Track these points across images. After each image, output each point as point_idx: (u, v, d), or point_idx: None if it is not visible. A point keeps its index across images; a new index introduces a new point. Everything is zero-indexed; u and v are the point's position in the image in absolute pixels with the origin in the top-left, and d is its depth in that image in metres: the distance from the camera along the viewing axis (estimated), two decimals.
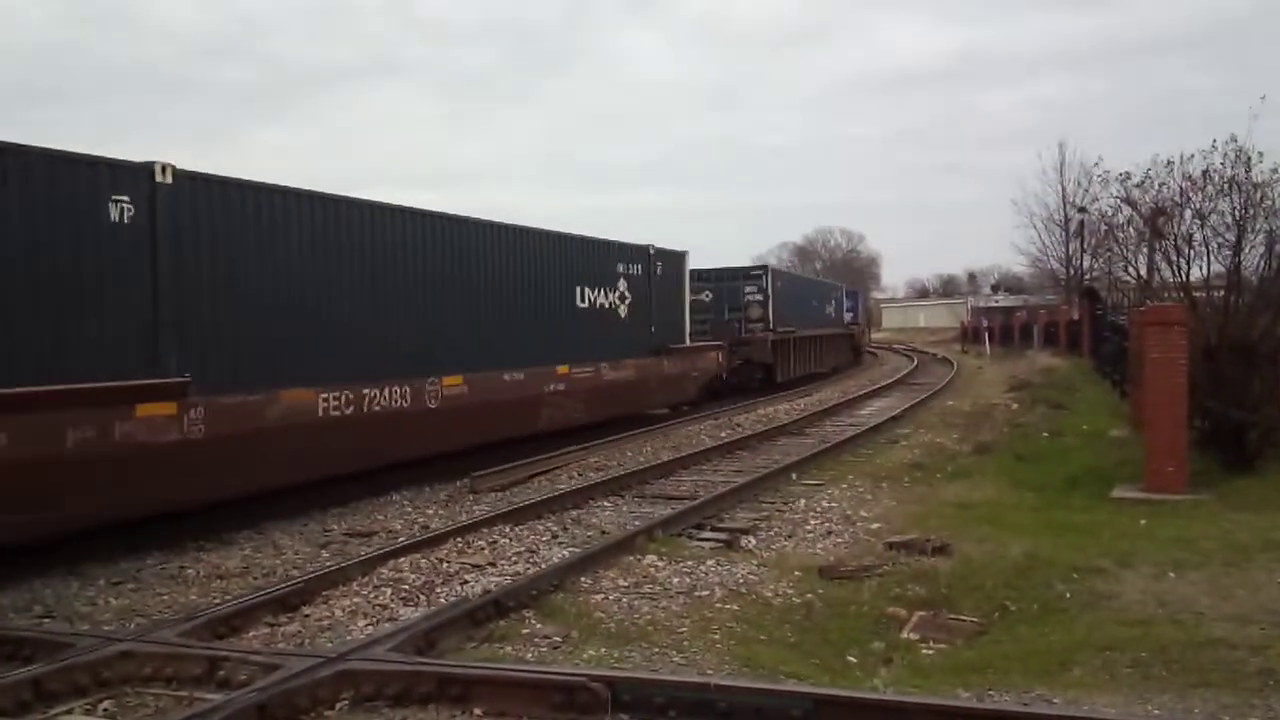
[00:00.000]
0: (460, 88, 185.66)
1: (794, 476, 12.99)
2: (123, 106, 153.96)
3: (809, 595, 7.65)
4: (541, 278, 15.79)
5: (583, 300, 16.90)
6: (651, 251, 19.43)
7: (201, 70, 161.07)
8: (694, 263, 27.75)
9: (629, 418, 18.45)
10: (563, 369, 15.91)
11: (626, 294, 18.24)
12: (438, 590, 7.56)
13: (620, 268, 18.14)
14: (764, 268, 29.37)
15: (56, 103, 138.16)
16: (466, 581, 7.79)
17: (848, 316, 42.72)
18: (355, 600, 7.28)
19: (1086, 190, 39.67)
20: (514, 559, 8.58)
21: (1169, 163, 13.70)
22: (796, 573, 8.17)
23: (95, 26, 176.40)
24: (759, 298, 28.08)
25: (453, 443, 13.41)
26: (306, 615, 7.00)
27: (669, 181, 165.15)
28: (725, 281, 28.24)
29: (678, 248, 21.06)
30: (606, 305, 17.59)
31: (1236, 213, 12.98)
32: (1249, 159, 12.84)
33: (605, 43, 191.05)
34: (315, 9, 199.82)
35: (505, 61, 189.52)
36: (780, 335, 28.58)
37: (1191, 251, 13.35)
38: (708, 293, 27.36)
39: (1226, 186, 12.98)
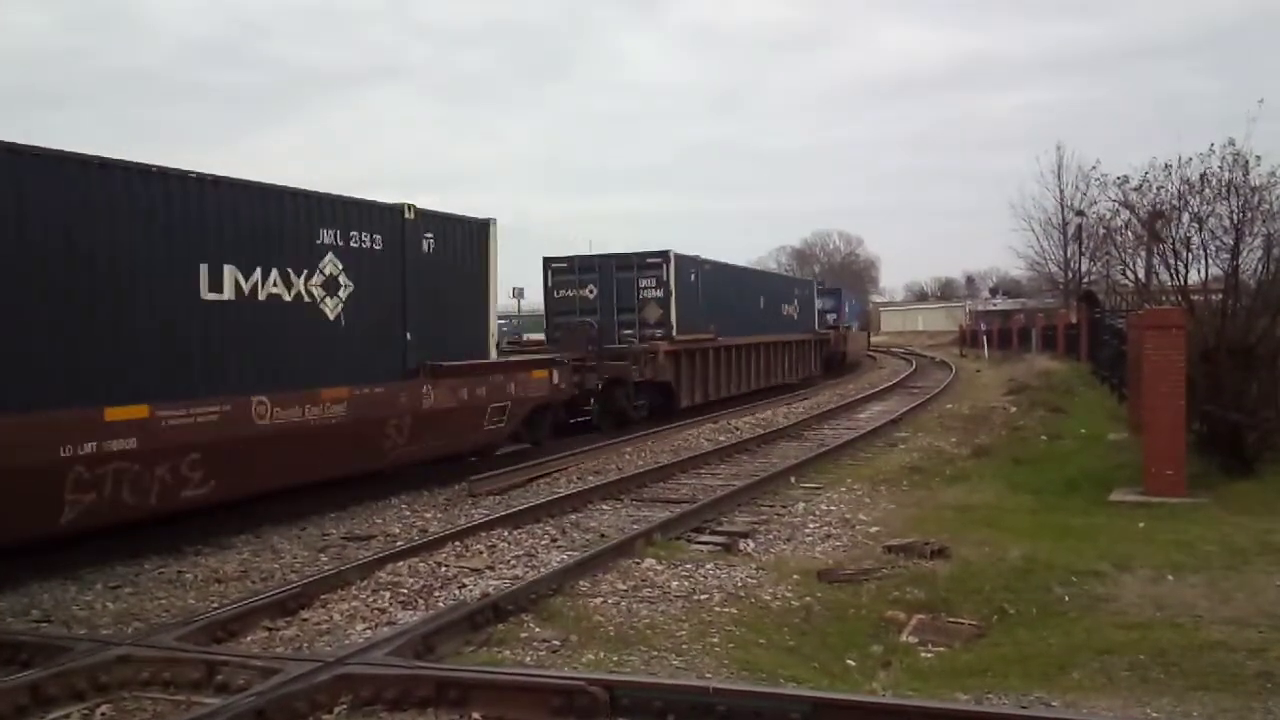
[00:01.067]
0: (460, 91, 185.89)
1: (793, 480, 12.99)
2: (124, 110, 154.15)
3: (808, 598, 7.65)
4: (93, 247, 8.66)
5: (218, 289, 9.78)
6: (409, 215, 12.38)
7: (202, 73, 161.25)
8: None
9: (355, 480, 11.83)
10: (129, 411, 8.71)
11: (342, 280, 11.27)
12: (436, 594, 7.56)
13: (328, 236, 11.13)
14: (664, 253, 21.50)
15: (58, 106, 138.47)
16: (465, 585, 7.78)
17: (829, 319, 38.03)
18: (353, 604, 7.27)
19: (1084, 194, 39.75)
20: (512, 562, 8.57)
21: (1167, 166, 13.75)
22: (795, 576, 8.17)
23: (97, 31, 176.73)
24: (658, 294, 21.35)
25: None
26: (305, 619, 7.00)
27: (669, 185, 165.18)
28: (615, 272, 21.56)
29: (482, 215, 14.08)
30: (289, 297, 10.60)
31: (1234, 216, 13.02)
32: (1247, 162, 12.88)
33: (605, 46, 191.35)
34: (315, 13, 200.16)
35: (505, 65, 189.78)
36: (683, 344, 21.49)
37: (1189, 255, 13.38)
38: (591, 287, 21.59)
39: (1224, 190, 13.01)
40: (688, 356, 21.91)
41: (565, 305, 21.85)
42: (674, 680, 5.45)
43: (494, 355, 14.32)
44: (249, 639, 6.61)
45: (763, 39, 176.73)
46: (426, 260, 12.68)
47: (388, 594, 7.48)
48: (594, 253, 22.42)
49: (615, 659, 6.08)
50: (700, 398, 22.57)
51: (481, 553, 8.86)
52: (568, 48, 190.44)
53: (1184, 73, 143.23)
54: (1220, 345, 11.96)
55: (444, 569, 8.23)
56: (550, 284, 22.22)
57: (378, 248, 11.87)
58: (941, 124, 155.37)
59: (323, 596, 7.41)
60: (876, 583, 8.05)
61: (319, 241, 11.07)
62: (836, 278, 68.59)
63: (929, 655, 6.73)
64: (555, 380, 15.58)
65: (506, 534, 9.55)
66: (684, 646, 6.37)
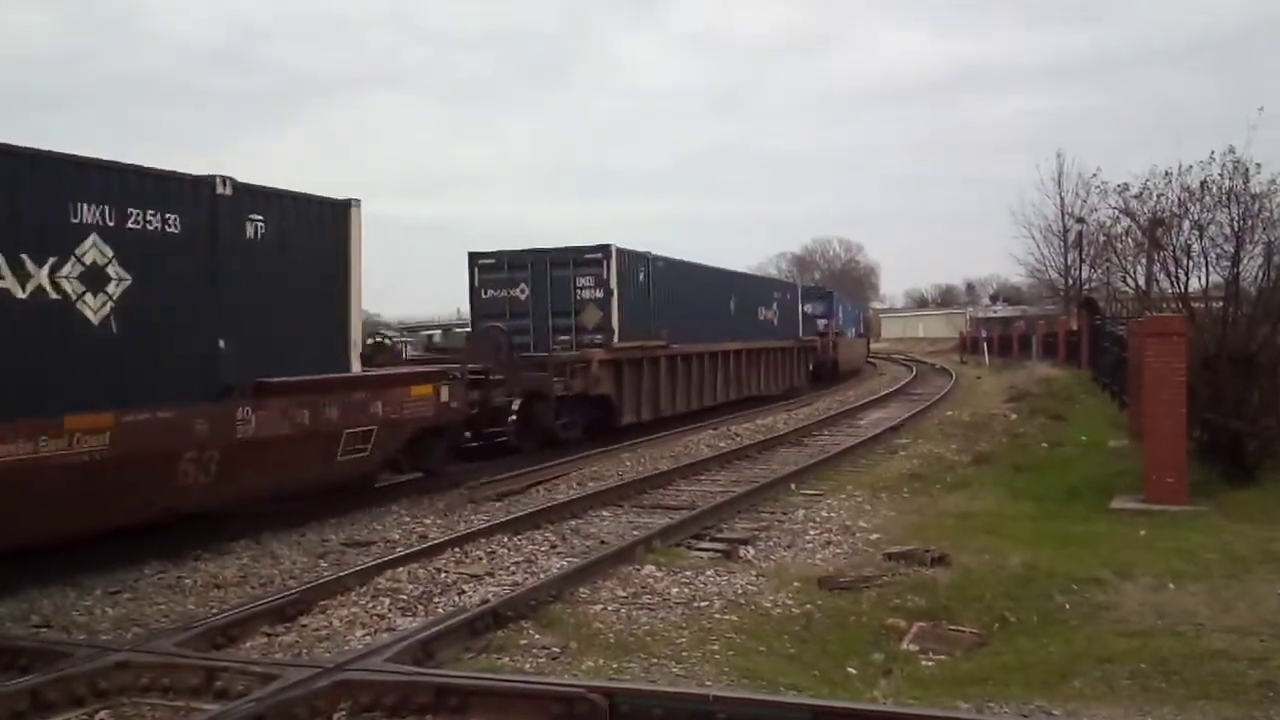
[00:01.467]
0: (461, 96, 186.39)
1: (793, 486, 12.97)
2: (123, 113, 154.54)
3: (808, 606, 7.64)
4: None
5: None
6: (222, 189, 9.63)
7: (203, 77, 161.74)
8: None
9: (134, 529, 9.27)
10: None
11: (112, 272, 8.57)
12: (436, 600, 7.55)
13: (90, 214, 8.41)
14: (604, 248, 18.81)
15: (57, 109, 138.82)
16: (464, 591, 7.78)
17: (819, 324, 35.65)
18: (353, 610, 7.26)
19: (1085, 201, 39.79)
20: (512, 569, 8.56)
21: (1167, 174, 13.78)
22: (795, 583, 8.16)
23: (97, 34, 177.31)
24: (598, 294, 18.70)
25: None
26: (304, 625, 6.99)
27: (669, 190, 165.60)
28: (550, 270, 18.84)
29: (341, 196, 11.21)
30: (22, 293, 7.96)
31: (1235, 224, 13.04)
32: (1247, 170, 12.92)
33: (605, 49, 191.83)
34: (317, 18, 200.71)
35: (505, 68, 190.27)
36: (624, 352, 18.77)
37: (1190, 262, 13.40)
38: (523, 287, 18.92)
39: (1225, 198, 13.04)
40: (631, 366, 19.22)
41: (494, 308, 19.04)
42: (674, 688, 5.44)
43: (356, 368, 11.40)
44: (248, 645, 6.59)
45: (762, 44, 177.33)
46: (252, 249, 9.96)
47: (387, 600, 7.47)
48: (525, 247, 19.35)
49: (615, 666, 6.07)
50: (648, 413, 19.83)
51: (481, 559, 8.85)
52: (568, 49, 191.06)
53: (1184, 76, 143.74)
54: (1221, 353, 11.95)
55: (443, 575, 8.22)
56: (477, 283, 19.41)
57: (173, 230, 9.10)
58: (942, 129, 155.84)
59: (322, 602, 7.40)
60: (877, 590, 8.04)
61: (75, 220, 8.31)
62: (836, 284, 68.48)
63: (930, 663, 6.71)
64: (444, 398, 12.67)
65: (506, 540, 9.54)
66: (684, 654, 6.36)
